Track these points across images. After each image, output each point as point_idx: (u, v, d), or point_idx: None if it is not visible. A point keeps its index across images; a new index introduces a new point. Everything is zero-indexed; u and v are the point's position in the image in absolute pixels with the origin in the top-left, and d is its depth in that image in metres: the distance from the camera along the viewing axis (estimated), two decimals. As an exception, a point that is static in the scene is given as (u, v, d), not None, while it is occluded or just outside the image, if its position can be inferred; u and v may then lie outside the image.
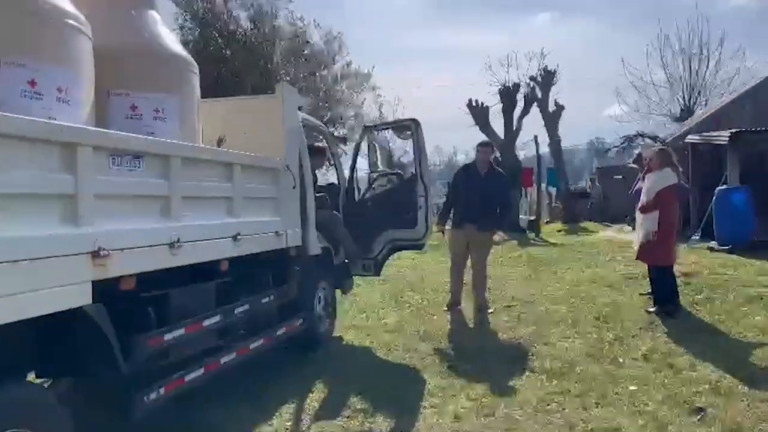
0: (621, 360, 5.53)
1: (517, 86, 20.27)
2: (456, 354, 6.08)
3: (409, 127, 6.97)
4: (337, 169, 7.51)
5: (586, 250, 12.96)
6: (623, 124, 23.43)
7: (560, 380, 5.10)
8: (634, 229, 16.23)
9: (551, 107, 24.98)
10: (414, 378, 5.45)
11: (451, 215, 7.81)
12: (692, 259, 10.10)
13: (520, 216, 20.12)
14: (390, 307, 8.22)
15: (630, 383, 4.95)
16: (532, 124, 25.40)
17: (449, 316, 7.58)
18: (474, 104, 19.70)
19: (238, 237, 4.59)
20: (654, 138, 16.15)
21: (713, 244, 11.65)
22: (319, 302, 6.59)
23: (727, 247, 11.13)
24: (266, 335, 5.24)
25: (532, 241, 15.56)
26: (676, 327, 6.48)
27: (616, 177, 19.96)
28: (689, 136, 14.69)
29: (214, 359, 4.43)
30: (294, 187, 5.59)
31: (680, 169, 6.98)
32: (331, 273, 6.88)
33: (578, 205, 22.68)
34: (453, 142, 67.82)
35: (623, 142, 16.17)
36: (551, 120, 24.88)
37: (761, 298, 7.43)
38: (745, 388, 4.72)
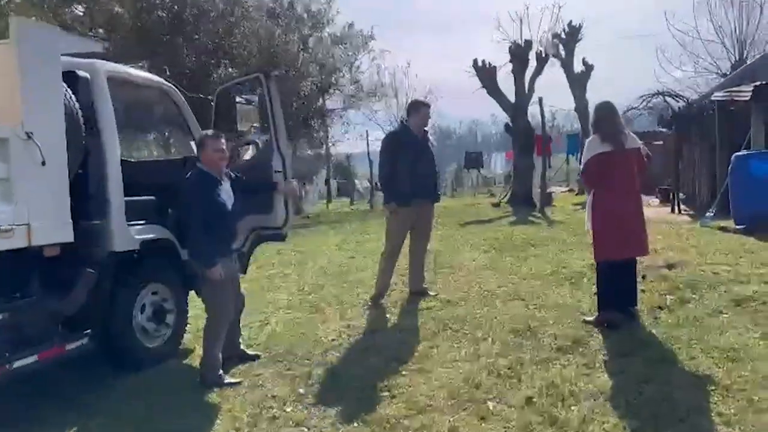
0: (491, 406, 3.82)
1: (529, 44, 18.07)
2: (293, 387, 4.50)
3: (258, 82, 5.34)
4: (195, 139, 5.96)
5: (579, 230, 11.01)
6: (672, 85, 20.79)
7: (383, 440, 3.50)
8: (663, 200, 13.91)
9: (578, 67, 22.68)
10: (204, 427, 3.94)
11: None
12: (690, 242, 8.14)
13: (535, 188, 18.08)
14: (284, 309, 6.70)
15: (474, 452, 3.30)
16: (556, 87, 22.93)
17: (342, 323, 6.00)
18: (480, 64, 17.65)
19: None
20: (676, 96, 13.86)
21: (729, 223, 9.56)
22: (143, 311, 5.14)
23: (743, 227, 9.05)
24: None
25: (530, 218, 13.62)
26: (609, 346, 4.71)
27: (656, 143, 17.33)
28: (715, 94, 12.39)
29: None
30: (44, 164, 4.10)
31: (622, 133, 5.06)
32: (174, 272, 5.43)
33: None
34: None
35: (642, 103, 13.91)
36: (578, 81, 22.57)
37: (755, 300, 5.54)
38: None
